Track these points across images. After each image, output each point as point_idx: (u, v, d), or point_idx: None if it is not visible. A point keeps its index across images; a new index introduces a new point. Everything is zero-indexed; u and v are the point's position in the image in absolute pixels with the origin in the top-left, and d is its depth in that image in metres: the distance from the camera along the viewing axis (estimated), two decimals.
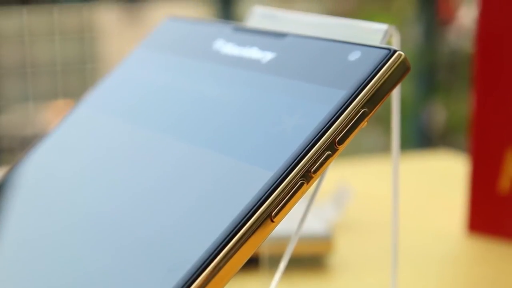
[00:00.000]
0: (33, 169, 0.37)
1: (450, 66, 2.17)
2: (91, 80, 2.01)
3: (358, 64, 0.29)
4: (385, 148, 1.85)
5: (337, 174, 0.56)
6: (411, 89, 1.95)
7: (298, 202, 0.28)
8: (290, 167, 0.27)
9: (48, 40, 1.96)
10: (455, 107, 2.13)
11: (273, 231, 0.27)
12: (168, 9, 1.90)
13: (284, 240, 0.39)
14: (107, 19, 2.07)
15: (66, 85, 2.00)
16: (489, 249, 0.50)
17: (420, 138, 2.00)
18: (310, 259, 0.47)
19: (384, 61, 0.29)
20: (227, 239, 0.27)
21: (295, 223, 0.32)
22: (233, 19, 1.74)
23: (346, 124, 0.28)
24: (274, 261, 0.43)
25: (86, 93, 0.39)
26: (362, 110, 0.28)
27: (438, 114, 2.15)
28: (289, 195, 0.27)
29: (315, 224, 0.47)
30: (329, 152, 0.28)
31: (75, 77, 2.04)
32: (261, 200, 0.27)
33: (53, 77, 1.95)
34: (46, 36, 1.95)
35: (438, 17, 2.05)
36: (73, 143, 0.37)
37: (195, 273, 0.26)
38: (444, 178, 0.66)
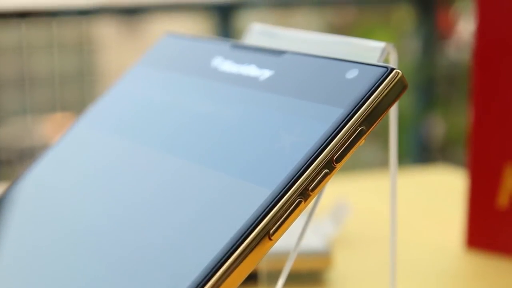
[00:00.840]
0: (33, 184, 0.37)
1: (449, 80, 2.18)
2: (89, 92, 2.01)
3: (355, 82, 0.29)
4: (384, 163, 1.85)
5: (336, 190, 0.56)
6: (410, 103, 1.95)
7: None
8: (288, 185, 0.27)
9: (46, 53, 1.96)
10: (454, 120, 2.13)
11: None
12: (167, 23, 1.90)
13: (282, 256, 0.39)
14: (106, 32, 2.07)
15: (64, 97, 2.00)
16: (487, 265, 0.50)
17: (419, 151, 2.00)
18: (308, 275, 0.47)
19: (381, 79, 0.29)
20: (225, 257, 0.27)
21: (293, 238, 0.32)
22: (232, 34, 1.74)
23: (344, 142, 0.28)
24: (272, 277, 0.43)
25: (84, 106, 0.39)
26: (360, 128, 0.28)
27: (437, 127, 2.15)
28: (287, 213, 0.27)
29: (313, 240, 0.47)
30: (327, 170, 0.28)
31: (73, 89, 2.04)
32: (259, 218, 0.27)
33: (52, 89, 1.95)
34: (44, 48, 1.96)
35: (437, 30, 2.05)
36: (73, 159, 0.37)
37: None
38: (443, 193, 0.66)
